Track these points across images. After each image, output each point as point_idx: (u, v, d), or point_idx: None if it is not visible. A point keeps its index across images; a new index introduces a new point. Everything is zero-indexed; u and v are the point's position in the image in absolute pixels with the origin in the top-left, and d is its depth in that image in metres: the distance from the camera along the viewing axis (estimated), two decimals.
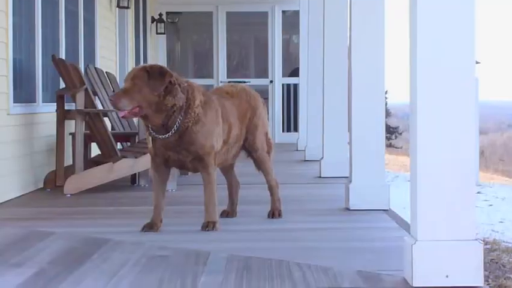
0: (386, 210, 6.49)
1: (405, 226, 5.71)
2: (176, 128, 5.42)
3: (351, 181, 6.59)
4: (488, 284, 7.13)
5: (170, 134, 5.43)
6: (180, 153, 5.51)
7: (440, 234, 3.88)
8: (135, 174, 8.41)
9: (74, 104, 8.18)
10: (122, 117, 5.39)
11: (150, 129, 5.49)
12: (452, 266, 3.88)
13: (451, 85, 3.89)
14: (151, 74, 5.33)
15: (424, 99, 3.91)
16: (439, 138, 3.90)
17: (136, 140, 9.05)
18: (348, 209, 6.57)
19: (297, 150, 13.72)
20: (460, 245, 3.88)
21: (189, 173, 5.96)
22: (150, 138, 5.52)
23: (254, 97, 6.14)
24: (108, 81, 9.62)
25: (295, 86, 16.05)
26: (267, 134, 6.19)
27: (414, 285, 3.87)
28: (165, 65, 16.53)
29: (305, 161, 11.68)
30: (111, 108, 6.92)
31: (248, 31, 18.86)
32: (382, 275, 4.17)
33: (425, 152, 3.90)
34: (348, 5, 8.26)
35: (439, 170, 3.90)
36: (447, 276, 3.88)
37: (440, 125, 3.90)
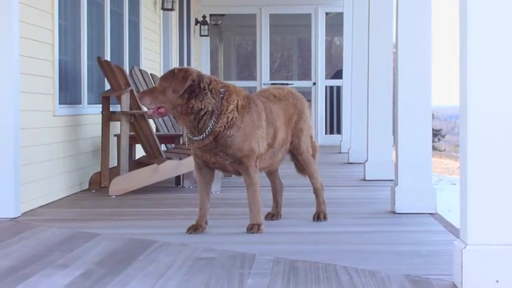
0: (433, 213, 6.42)
1: (452, 230, 5.65)
2: (208, 132, 5.42)
3: (397, 184, 6.52)
4: None
5: (203, 136, 5.44)
6: (217, 156, 5.50)
7: (491, 239, 3.82)
8: (179, 175, 8.42)
9: (119, 105, 8.21)
10: (148, 115, 5.60)
11: (187, 130, 5.57)
12: (503, 271, 3.81)
13: (504, 85, 3.82)
14: (175, 76, 5.36)
15: (474, 101, 3.84)
16: (490, 140, 3.83)
17: (181, 142, 9.08)
18: (393, 212, 6.51)
19: (340, 152, 13.66)
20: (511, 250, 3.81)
21: (233, 175, 5.95)
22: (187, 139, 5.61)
23: (300, 100, 6.11)
24: (153, 82, 9.65)
25: (338, 88, 15.99)
26: (311, 137, 6.17)
27: None
28: (208, 67, 16.72)
29: (348, 163, 11.62)
30: None
31: (291, 33, 18.84)
32: (430, 279, 4.11)
33: (476, 154, 3.84)
34: (394, 6, 8.20)
35: (490, 173, 3.83)
36: (497, 281, 3.81)
37: (491, 127, 3.83)
